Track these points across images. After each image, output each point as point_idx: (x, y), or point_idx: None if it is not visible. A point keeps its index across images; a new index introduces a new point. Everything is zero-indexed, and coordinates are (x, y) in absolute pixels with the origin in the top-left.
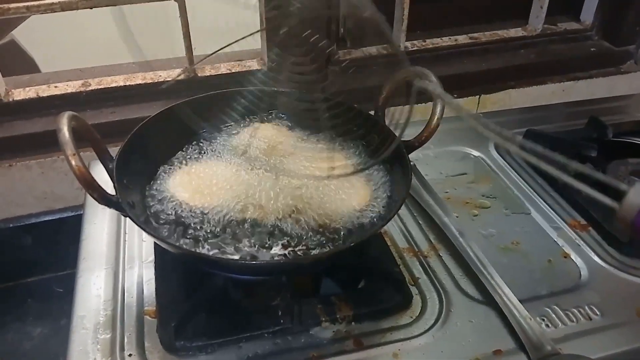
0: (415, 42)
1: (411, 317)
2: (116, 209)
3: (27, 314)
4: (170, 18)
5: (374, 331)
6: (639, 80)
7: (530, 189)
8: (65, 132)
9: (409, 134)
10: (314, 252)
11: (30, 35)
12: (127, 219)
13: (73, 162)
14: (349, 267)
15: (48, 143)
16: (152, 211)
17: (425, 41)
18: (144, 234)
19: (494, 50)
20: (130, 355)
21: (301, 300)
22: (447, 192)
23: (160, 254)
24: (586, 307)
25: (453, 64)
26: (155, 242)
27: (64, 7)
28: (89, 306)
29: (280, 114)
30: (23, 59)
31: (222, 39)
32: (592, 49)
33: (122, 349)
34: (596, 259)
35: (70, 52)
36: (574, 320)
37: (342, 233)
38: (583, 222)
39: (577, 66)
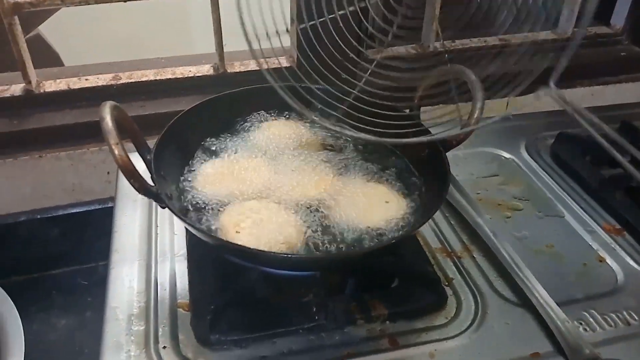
0: (445, 42)
1: (446, 318)
2: (155, 200)
3: (52, 305)
4: (188, 14)
5: (409, 331)
6: None
7: (562, 191)
8: (108, 121)
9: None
10: (353, 248)
11: (55, 30)
12: (159, 211)
13: (116, 151)
14: (382, 266)
15: (78, 135)
16: (185, 202)
17: (454, 42)
18: (176, 227)
19: (524, 53)
20: (164, 347)
21: (335, 297)
22: (478, 194)
23: (192, 247)
24: (624, 312)
25: (482, 66)
26: (187, 235)
27: (98, 0)
28: (121, 298)
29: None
30: (48, 53)
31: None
32: (622, 54)
33: (157, 341)
34: (632, 263)
35: (93, 48)
36: (612, 324)
37: (375, 233)
38: (617, 226)
39: (606, 70)
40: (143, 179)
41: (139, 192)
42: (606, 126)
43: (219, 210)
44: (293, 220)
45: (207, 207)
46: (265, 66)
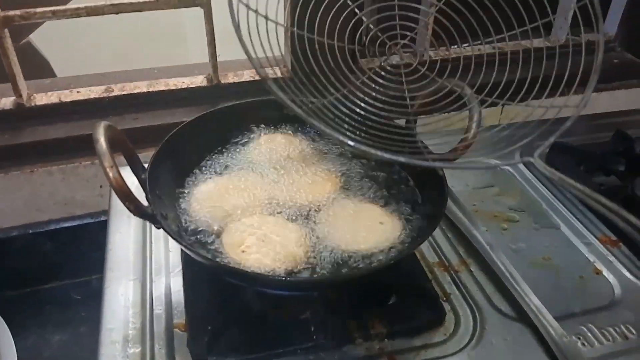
0: (439, 51)
1: (445, 335)
2: (150, 221)
3: (46, 320)
4: (184, 24)
5: (407, 348)
6: None
7: (558, 202)
8: (102, 143)
9: (440, 148)
10: (351, 269)
11: (46, 38)
12: (153, 228)
13: (111, 175)
14: (380, 283)
15: (70, 149)
16: (182, 222)
17: (448, 50)
18: (170, 244)
19: (518, 61)
20: None
21: (333, 315)
22: (474, 205)
23: (188, 264)
24: (622, 326)
25: (476, 74)
26: (182, 252)
27: (89, 12)
28: (117, 318)
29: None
30: (38, 61)
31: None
32: (615, 61)
33: None
34: (629, 275)
35: (85, 57)
36: (610, 339)
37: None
38: (613, 237)
39: (599, 78)
40: (138, 200)
41: (134, 214)
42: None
43: (218, 229)
44: (295, 234)
45: (205, 227)
46: (271, 74)
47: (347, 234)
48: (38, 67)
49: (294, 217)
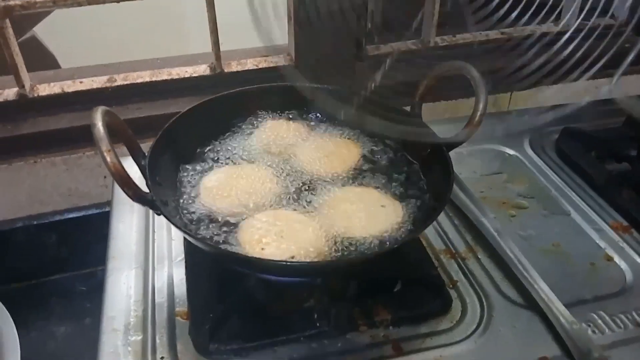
0: (445, 37)
1: (451, 322)
2: (150, 207)
3: (51, 312)
4: (185, 14)
5: (413, 336)
6: None
7: (568, 188)
8: (100, 127)
9: (448, 132)
10: (355, 254)
11: (51, 31)
12: (156, 216)
13: (108, 159)
14: (385, 270)
15: (73, 139)
16: (183, 209)
17: (455, 36)
18: (173, 232)
19: (526, 46)
20: (162, 358)
21: (337, 303)
22: (482, 192)
23: (190, 253)
24: (634, 313)
25: (484, 60)
26: (185, 240)
27: (90, 1)
28: (119, 307)
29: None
30: (43, 55)
31: (247, 34)
32: (626, 45)
33: (154, 351)
34: None
35: (90, 48)
36: (621, 326)
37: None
38: (625, 223)
39: (610, 63)
40: (137, 186)
41: (133, 200)
42: None
43: (223, 217)
44: (311, 225)
45: (209, 215)
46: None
47: (353, 219)
48: (43, 61)
49: (303, 205)
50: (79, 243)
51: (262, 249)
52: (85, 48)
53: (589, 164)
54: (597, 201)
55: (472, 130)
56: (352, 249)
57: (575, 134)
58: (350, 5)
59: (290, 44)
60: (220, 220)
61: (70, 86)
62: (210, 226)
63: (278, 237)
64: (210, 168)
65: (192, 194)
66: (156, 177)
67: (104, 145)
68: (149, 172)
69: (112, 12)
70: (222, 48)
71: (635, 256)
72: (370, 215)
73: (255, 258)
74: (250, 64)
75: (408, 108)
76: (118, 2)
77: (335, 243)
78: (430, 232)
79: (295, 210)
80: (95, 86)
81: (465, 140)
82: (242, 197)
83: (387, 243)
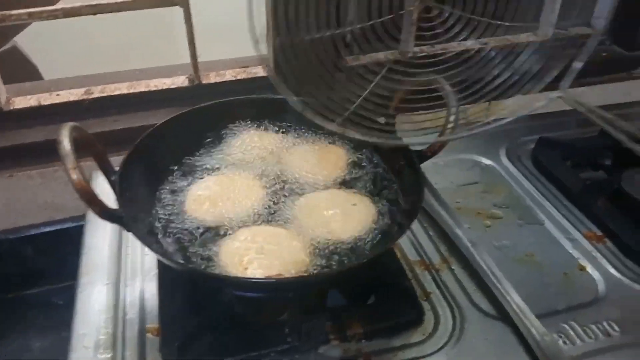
0: (423, 47)
1: (424, 334)
2: (119, 224)
3: (28, 326)
4: (174, 23)
5: (385, 349)
6: None
7: (543, 198)
8: (65, 144)
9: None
10: (327, 269)
11: (33, 41)
12: None
13: (73, 176)
14: (359, 282)
15: (50, 152)
16: (157, 224)
17: (433, 46)
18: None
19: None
20: None
21: (309, 316)
22: (458, 202)
23: (163, 267)
24: (604, 323)
25: (461, 69)
26: None
27: (66, 14)
28: (89, 323)
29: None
30: (25, 65)
31: (228, 45)
32: (603, 54)
33: None
34: (613, 271)
35: (73, 59)
36: (592, 337)
37: (348, 248)
38: (599, 233)
39: (588, 72)
40: (103, 203)
41: (101, 217)
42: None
43: (201, 231)
44: (288, 237)
45: (185, 230)
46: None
47: (331, 223)
48: (25, 72)
49: (279, 218)
50: (56, 256)
51: (246, 268)
52: (68, 58)
53: (565, 173)
54: (572, 211)
55: (442, 144)
56: (335, 255)
57: (551, 144)
58: (328, 15)
59: (269, 54)
60: (199, 233)
61: (47, 99)
62: (189, 240)
63: (258, 254)
64: (188, 181)
65: (168, 209)
66: (127, 192)
67: (69, 162)
68: (119, 187)
69: (95, 22)
70: (203, 59)
71: (608, 266)
72: (345, 215)
73: (229, 276)
74: (229, 75)
75: (382, 120)
76: (94, 14)
77: (317, 249)
78: (405, 243)
79: (273, 222)
80: (72, 99)
81: (437, 152)
82: (221, 209)
83: (367, 240)
